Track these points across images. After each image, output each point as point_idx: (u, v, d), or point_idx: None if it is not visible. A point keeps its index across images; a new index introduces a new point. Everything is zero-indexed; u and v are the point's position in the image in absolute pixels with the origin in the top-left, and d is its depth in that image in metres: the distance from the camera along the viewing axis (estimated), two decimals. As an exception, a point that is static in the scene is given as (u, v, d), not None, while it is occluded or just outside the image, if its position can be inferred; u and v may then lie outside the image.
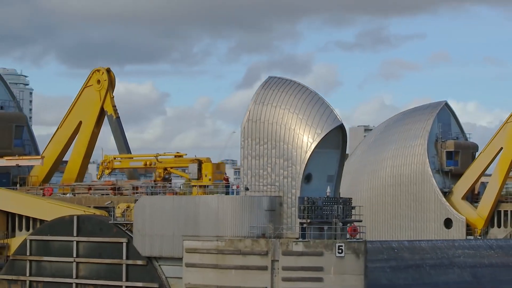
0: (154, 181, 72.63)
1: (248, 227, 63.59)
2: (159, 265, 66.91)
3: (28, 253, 73.97)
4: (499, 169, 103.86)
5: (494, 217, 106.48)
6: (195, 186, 69.24)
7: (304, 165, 64.16)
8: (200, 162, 68.37)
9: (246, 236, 63.52)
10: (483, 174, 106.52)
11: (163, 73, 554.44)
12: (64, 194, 77.80)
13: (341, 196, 69.25)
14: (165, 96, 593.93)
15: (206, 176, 68.72)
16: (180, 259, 65.10)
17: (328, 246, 62.36)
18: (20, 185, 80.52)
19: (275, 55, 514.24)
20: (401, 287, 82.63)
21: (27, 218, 76.68)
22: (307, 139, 64.37)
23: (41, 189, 77.74)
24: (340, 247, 62.29)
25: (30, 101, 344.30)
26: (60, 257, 72.62)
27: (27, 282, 74.06)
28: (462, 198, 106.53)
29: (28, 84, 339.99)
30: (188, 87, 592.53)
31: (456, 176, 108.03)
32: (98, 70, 79.65)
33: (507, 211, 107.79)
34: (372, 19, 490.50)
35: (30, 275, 74.14)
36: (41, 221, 74.34)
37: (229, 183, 67.76)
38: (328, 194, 64.91)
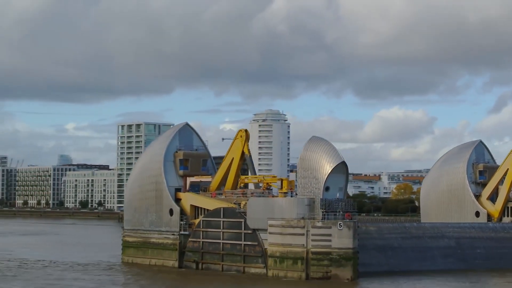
0: (263, 189, 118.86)
1: (296, 213, 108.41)
2: (258, 233, 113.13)
3: (201, 227, 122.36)
4: (506, 182, 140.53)
5: (505, 211, 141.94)
6: (280, 192, 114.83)
7: (324, 182, 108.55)
8: (282, 180, 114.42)
9: (295, 218, 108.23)
10: (498, 184, 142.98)
11: (432, 102, 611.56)
12: (221, 196, 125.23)
13: (348, 196, 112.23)
14: (434, 120, 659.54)
15: (284, 187, 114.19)
16: (266, 229, 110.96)
17: (334, 223, 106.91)
18: (203, 191, 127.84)
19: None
20: (406, 249, 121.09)
21: (202, 208, 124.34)
22: (325, 169, 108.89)
23: (210, 193, 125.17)
24: (340, 224, 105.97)
25: (288, 132, 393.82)
26: (215, 229, 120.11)
27: (201, 242, 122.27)
28: (487, 199, 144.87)
29: (286, 120, 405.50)
30: (452, 113, 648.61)
31: (484, 185, 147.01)
32: (241, 130, 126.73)
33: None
34: None
35: (202, 238, 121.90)
36: (208, 210, 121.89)
37: (293, 191, 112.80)
38: (337, 197, 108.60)
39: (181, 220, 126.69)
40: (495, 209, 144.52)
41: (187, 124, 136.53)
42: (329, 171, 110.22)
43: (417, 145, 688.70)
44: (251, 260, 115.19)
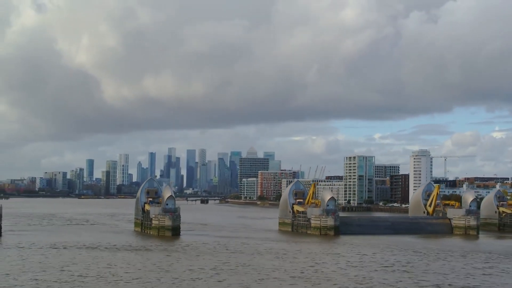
0: (315, 204, 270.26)
1: (319, 213, 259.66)
2: (310, 219, 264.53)
3: (296, 216, 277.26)
4: (434, 199, 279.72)
5: (434, 211, 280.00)
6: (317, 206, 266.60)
7: (326, 202, 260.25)
8: (319, 202, 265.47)
9: (318, 214, 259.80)
10: (432, 200, 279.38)
11: None
12: (304, 206, 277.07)
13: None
14: None
15: (318, 204, 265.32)
16: (311, 218, 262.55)
17: (328, 216, 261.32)
18: (303, 204, 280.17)
19: None
20: (369, 225, 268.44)
21: (299, 210, 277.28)
22: (327, 198, 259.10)
23: (302, 205, 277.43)
24: (331, 216, 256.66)
25: (431, 162, 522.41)
26: (300, 217, 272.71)
27: (297, 221, 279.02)
28: (428, 206, 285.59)
29: (430, 155, 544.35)
30: None
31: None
32: (313, 184, 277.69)
33: (439, 210, 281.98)
34: None
35: (297, 220, 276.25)
36: (299, 211, 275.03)
37: (320, 205, 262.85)
38: (331, 208, 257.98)
39: (292, 213, 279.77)
40: (430, 210, 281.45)
41: (298, 181, 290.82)
42: (328, 198, 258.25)
43: None
44: (307, 228, 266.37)
